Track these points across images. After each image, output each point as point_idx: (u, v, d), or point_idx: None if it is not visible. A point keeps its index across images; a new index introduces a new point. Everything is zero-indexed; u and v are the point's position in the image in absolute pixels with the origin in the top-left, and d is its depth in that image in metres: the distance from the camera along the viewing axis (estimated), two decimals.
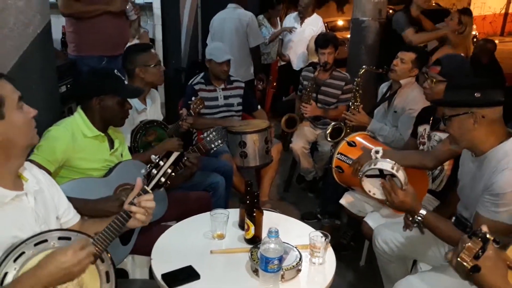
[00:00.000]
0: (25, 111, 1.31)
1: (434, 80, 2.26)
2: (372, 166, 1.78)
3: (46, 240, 1.28)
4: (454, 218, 1.27)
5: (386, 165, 1.74)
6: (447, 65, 2.26)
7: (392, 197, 1.69)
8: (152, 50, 2.54)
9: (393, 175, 1.72)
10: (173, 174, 1.48)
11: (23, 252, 1.23)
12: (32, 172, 1.41)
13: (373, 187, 1.82)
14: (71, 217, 1.53)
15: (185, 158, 2.26)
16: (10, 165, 1.30)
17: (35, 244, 1.26)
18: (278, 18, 5.55)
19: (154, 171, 1.45)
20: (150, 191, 1.44)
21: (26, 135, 1.31)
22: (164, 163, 1.46)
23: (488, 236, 1.14)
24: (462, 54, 3.53)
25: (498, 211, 1.55)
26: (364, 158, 2.33)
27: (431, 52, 3.72)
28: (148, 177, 1.46)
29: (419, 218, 1.67)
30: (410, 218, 1.72)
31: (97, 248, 1.34)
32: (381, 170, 1.76)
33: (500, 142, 1.62)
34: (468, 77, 1.84)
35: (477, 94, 1.59)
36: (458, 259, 1.15)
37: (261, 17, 5.28)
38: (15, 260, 1.21)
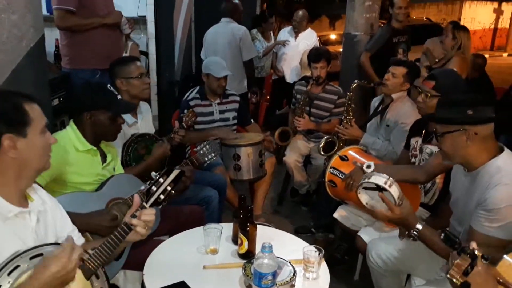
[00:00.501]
0: (46, 137, 1.37)
1: (429, 94, 2.28)
2: (366, 180, 1.79)
3: (41, 254, 1.28)
4: (443, 234, 1.27)
5: (380, 179, 1.74)
6: (441, 80, 2.27)
7: (387, 213, 1.68)
8: (137, 63, 2.50)
9: (386, 191, 1.72)
10: (173, 191, 1.49)
11: (18, 265, 1.23)
12: (38, 193, 1.44)
13: (370, 199, 1.81)
14: (75, 240, 1.52)
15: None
16: (19, 184, 1.34)
17: (31, 258, 1.26)
18: (271, 32, 5.60)
19: (154, 188, 1.47)
20: (149, 208, 1.46)
21: (41, 158, 1.37)
22: (164, 180, 1.48)
23: (476, 252, 1.16)
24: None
25: (492, 226, 1.56)
26: (356, 173, 2.34)
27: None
28: (147, 194, 1.47)
29: (415, 232, 1.67)
30: (406, 232, 1.72)
31: (92, 264, 1.36)
32: (377, 184, 1.77)
33: (492, 157, 1.63)
34: (461, 94, 1.85)
35: (469, 112, 1.59)
36: (448, 275, 1.16)
37: (254, 31, 5.33)
38: (9, 273, 1.21)
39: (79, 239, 1.55)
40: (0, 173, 1.29)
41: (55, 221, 1.47)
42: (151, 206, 1.46)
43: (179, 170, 1.50)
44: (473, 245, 1.19)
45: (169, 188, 1.48)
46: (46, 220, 1.42)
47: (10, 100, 1.31)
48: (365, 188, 1.80)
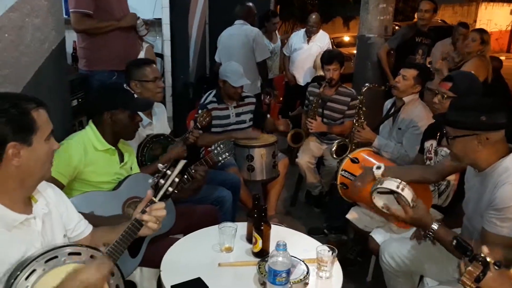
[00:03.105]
0: (50, 143, 1.34)
1: (445, 95, 2.28)
2: (379, 186, 1.81)
3: (56, 257, 1.30)
4: (454, 241, 1.29)
5: (392, 184, 1.76)
6: (458, 82, 2.27)
7: (403, 215, 1.71)
8: (152, 66, 2.53)
9: (399, 194, 1.74)
10: (181, 183, 1.49)
11: (34, 270, 1.25)
12: (41, 192, 1.42)
13: (385, 201, 1.84)
14: (83, 230, 1.56)
15: (193, 170, 2.29)
16: (22, 191, 1.33)
17: (46, 261, 1.28)
18: (276, 32, 5.51)
19: (162, 181, 1.46)
20: (158, 202, 1.46)
21: (43, 166, 1.33)
22: (172, 172, 1.46)
23: (488, 259, 1.18)
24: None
25: (504, 226, 1.57)
26: (365, 175, 2.35)
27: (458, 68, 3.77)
28: (156, 188, 1.46)
29: (430, 233, 1.69)
30: (422, 233, 1.75)
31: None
32: (389, 189, 1.79)
33: (501, 158, 1.64)
34: (474, 98, 1.84)
35: (482, 118, 1.59)
36: (460, 282, 1.19)
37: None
38: (26, 278, 1.23)
39: (86, 228, 1.57)
40: (3, 181, 1.27)
41: (61, 216, 1.47)
42: (160, 200, 1.46)
43: (186, 161, 1.48)
44: (485, 250, 1.21)
45: (177, 179, 1.46)
46: (51, 221, 1.42)
47: (18, 106, 1.26)
48: (380, 193, 1.82)
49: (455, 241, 1.26)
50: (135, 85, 2.47)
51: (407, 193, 1.73)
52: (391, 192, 1.78)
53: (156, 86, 2.51)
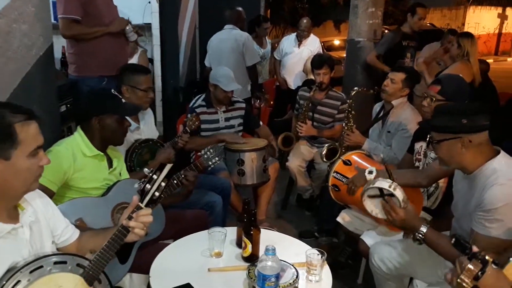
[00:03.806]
0: (37, 158, 1.28)
1: (434, 99, 2.30)
2: (371, 186, 1.82)
3: (41, 266, 1.29)
4: (453, 239, 1.29)
5: (384, 184, 1.78)
6: (447, 85, 2.30)
7: (393, 216, 1.74)
8: (147, 76, 2.54)
9: (392, 195, 1.76)
10: (168, 187, 1.48)
11: (19, 281, 1.23)
12: (28, 200, 1.39)
13: (374, 207, 1.86)
14: (70, 235, 1.55)
15: (183, 176, 2.29)
16: (5, 203, 1.30)
17: (31, 272, 1.26)
18: (266, 37, 5.50)
19: (148, 186, 1.44)
20: (144, 208, 1.45)
21: (25, 181, 1.28)
22: (158, 177, 1.45)
23: (487, 258, 1.19)
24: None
25: (492, 227, 1.59)
26: (358, 178, 2.37)
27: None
28: (142, 193, 1.45)
29: (420, 235, 1.71)
30: (412, 236, 1.76)
31: (93, 270, 1.36)
32: (381, 190, 1.81)
33: (488, 160, 1.67)
34: (457, 103, 1.89)
35: (464, 121, 1.64)
36: (458, 280, 1.20)
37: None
38: None
39: (73, 234, 1.56)
40: None
41: (48, 223, 1.45)
42: (146, 205, 1.45)
43: (172, 165, 1.47)
44: (475, 250, 1.22)
45: (163, 184, 1.44)
46: (40, 229, 1.40)
47: (1, 117, 1.21)
48: (370, 197, 1.85)
49: (454, 239, 1.27)
50: (126, 89, 2.47)
51: (399, 193, 1.75)
52: (381, 195, 1.80)
53: (146, 95, 2.52)
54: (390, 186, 1.76)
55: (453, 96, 2.25)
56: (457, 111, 1.69)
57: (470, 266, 1.19)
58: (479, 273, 1.18)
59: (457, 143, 1.66)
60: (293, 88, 5.04)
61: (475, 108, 1.67)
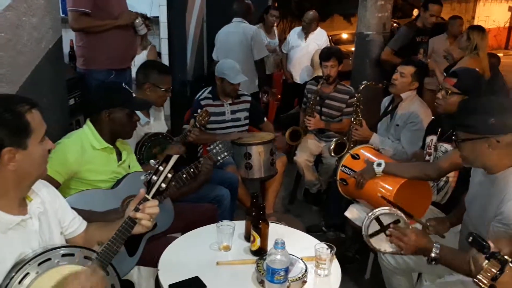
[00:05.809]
0: (45, 144, 1.33)
1: (449, 91, 2.26)
2: (367, 220, 1.78)
3: (50, 259, 1.30)
4: (470, 237, 1.26)
5: (382, 210, 1.78)
6: (463, 78, 2.25)
7: (405, 241, 1.64)
8: (169, 76, 2.62)
9: (395, 221, 1.74)
10: (176, 180, 1.48)
11: (28, 273, 1.24)
12: (36, 191, 1.41)
13: (383, 243, 1.79)
14: (77, 227, 1.56)
15: (201, 163, 2.29)
16: (18, 193, 1.32)
17: (39, 264, 1.27)
18: (274, 28, 5.44)
19: (154, 177, 1.44)
20: (151, 199, 1.45)
21: (40, 167, 1.33)
22: (164, 168, 1.45)
23: (506, 258, 1.16)
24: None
25: None
26: (366, 171, 2.36)
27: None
28: (149, 185, 1.45)
29: (434, 255, 1.60)
30: (426, 258, 1.64)
31: (101, 262, 1.37)
32: (379, 220, 1.78)
33: None
34: (483, 99, 1.76)
35: (492, 120, 1.54)
36: (475, 280, 1.17)
37: (257, 26, 5.27)
38: (20, 282, 1.22)
39: (80, 225, 1.57)
40: None
41: (56, 214, 1.46)
42: (153, 197, 1.45)
43: (178, 156, 1.47)
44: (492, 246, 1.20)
45: (169, 175, 1.44)
46: (48, 219, 1.41)
47: (12, 109, 1.24)
48: (371, 236, 1.79)
49: (471, 238, 1.23)
50: (149, 87, 2.52)
51: (401, 214, 1.74)
52: (382, 228, 1.77)
53: (165, 95, 2.60)
54: (390, 209, 1.74)
55: (469, 90, 2.21)
56: (484, 110, 1.59)
57: (488, 266, 1.16)
58: (498, 273, 1.15)
59: (484, 143, 1.56)
60: (300, 83, 4.99)
61: (503, 107, 1.58)
